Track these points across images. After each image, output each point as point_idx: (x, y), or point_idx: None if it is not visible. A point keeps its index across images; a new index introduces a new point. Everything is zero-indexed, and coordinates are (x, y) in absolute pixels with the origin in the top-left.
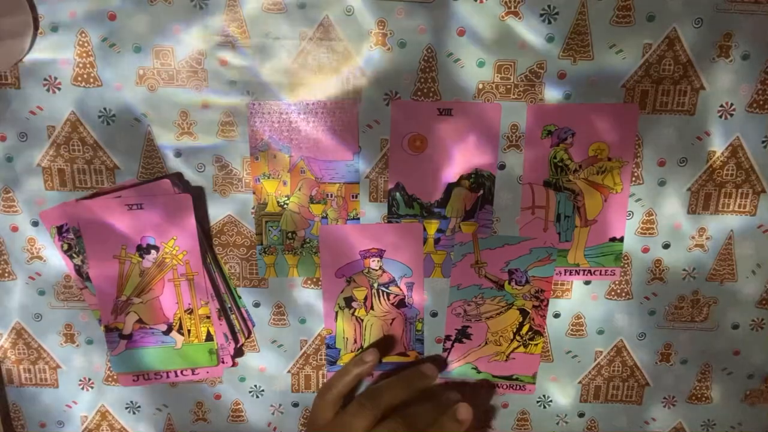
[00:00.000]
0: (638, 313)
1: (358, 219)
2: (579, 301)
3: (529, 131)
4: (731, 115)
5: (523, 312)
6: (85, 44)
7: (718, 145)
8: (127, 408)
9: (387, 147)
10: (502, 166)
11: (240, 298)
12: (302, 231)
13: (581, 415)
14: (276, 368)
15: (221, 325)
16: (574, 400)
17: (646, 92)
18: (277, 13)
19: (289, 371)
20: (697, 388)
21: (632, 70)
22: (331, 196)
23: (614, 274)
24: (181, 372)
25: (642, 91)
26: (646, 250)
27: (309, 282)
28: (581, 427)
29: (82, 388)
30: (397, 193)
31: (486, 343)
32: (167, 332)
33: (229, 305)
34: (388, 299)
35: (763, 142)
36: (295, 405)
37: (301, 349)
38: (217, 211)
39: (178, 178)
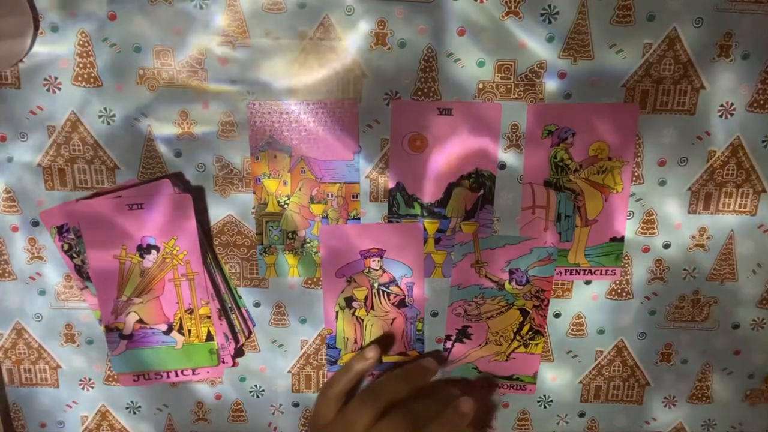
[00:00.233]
0: (639, 312)
1: (359, 219)
2: (579, 300)
3: (529, 131)
4: (731, 114)
5: (524, 312)
6: (85, 44)
7: (718, 145)
8: (127, 408)
9: (387, 147)
10: (502, 166)
11: (240, 298)
12: (303, 231)
13: (582, 414)
14: (276, 368)
15: (221, 325)
16: (575, 400)
17: (646, 92)
18: (277, 12)
19: (289, 371)
20: (698, 387)
21: (632, 69)
22: (332, 196)
23: (615, 273)
24: (182, 372)
25: (642, 90)
26: (646, 250)
27: (309, 282)
28: (582, 426)
29: (83, 388)
30: (398, 193)
31: (486, 342)
32: (168, 332)
33: (230, 305)
34: (389, 299)
35: (764, 141)
36: (296, 405)
37: (302, 349)
38: (218, 211)
39: (178, 178)
